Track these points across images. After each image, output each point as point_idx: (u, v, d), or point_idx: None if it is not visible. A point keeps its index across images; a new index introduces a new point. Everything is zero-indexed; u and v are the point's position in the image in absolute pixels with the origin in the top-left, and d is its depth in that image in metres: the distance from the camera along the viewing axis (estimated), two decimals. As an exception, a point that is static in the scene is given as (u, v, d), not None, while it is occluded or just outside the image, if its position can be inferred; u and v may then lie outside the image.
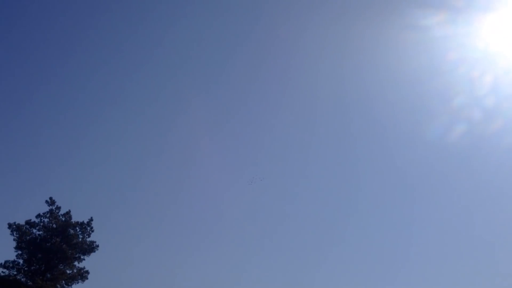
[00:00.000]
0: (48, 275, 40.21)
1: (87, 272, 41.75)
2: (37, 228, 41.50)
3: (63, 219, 42.23)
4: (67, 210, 42.63)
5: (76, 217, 42.69)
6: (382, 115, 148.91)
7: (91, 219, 42.86)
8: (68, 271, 41.23)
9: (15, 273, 39.96)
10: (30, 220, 41.53)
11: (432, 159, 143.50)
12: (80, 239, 42.23)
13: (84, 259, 42.11)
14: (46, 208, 42.14)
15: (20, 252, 40.54)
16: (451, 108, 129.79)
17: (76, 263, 41.79)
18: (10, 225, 40.82)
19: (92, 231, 42.73)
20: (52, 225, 41.88)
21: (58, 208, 42.40)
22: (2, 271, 39.56)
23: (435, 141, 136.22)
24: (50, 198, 42.40)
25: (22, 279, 39.56)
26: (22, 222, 41.21)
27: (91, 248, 42.31)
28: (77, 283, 41.58)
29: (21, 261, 40.40)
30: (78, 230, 42.41)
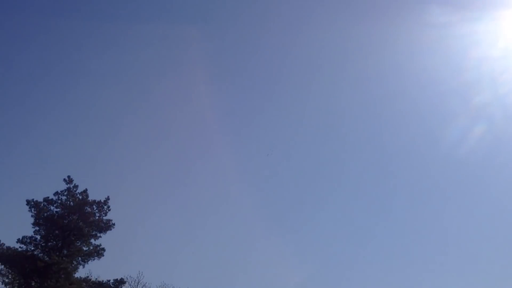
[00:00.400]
0: (65, 252, 40.52)
1: (103, 249, 42.01)
2: (54, 205, 41.91)
3: (80, 197, 42.60)
4: (84, 188, 43.08)
5: (92, 196, 43.13)
6: (400, 114, 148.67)
7: (108, 198, 43.24)
8: (84, 248, 41.52)
9: (32, 248, 40.35)
10: (48, 197, 41.99)
11: (451, 160, 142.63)
12: (97, 217, 42.55)
13: (100, 237, 42.39)
14: (64, 186, 42.65)
15: (37, 228, 40.94)
16: (471, 107, 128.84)
17: (92, 240, 42.07)
18: (28, 202, 41.28)
19: (109, 210, 43.06)
20: (69, 203, 42.25)
21: (76, 186, 42.81)
22: (20, 247, 39.98)
23: (455, 142, 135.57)
24: (68, 177, 42.86)
25: (39, 255, 39.97)
26: (40, 199, 41.71)
27: (107, 226, 42.55)
28: (93, 260, 41.86)
29: (38, 237, 40.81)
30: (95, 209, 42.75)
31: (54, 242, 40.86)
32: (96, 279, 42.61)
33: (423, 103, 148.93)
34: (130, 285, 62.44)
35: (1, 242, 39.34)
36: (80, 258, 41.31)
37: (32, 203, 41.37)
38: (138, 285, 63.69)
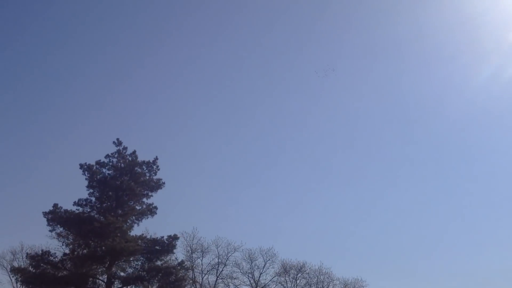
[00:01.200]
0: (119, 211, 41.48)
1: (156, 207, 42.77)
2: (106, 167, 42.78)
3: (130, 158, 43.28)
4: (133, 150, 43.70)
5: (141, 157, 43.75)
6: (431, 53, 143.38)
7: (156, 158, 43.76)
8: (137, 207, 42.37)
9: (88, 210, 41.55)
10: (100, 160, 42.91)
11: (483, 101, 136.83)
12: (147, 177, 43.20)
13: (152, 196, 43.15)
14: (114, 149, 43.42)
15: (91, 190, 42.03)
16: (506, 44, 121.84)
17: (144, 199, 42.89)
18: (81, 166, 42.33)
19: (158, 169, 43.63)
20: (120, 164, 43.03)
21: (125, 148, 43.51)
22: (77, 209, 41.22)
23: (487, 82, 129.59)
24: (117, 139, 43.56)
25: (96, 216, 41.11)
26: (93, 163, 42.67)
27: (158, 185, 43.16)
28: (147, 218, 42.76)
29: (93, 199, 41.90)
30: (144, 169, 43.37)
31: (109, 203, 41.79)
32: (151, 236, 43.70)
33: (456, 40, 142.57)
34: (186, 240, 64.21)
35: (59, 206, 40.65)
36: (134, 217, 42.25)
37: (85, 166, 42.39)
38: (194, 240, 65.40)
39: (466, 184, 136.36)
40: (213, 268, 66.58)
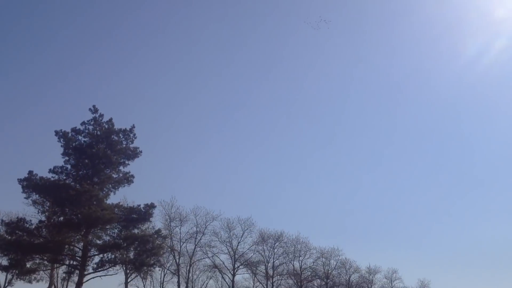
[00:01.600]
0: (95, 179, 41.13)
1: (133, 176, 42.56)
2: (82, 135, 42.18)
3: (106, 126, 42.69)
4: (110, 117, 43.04)
5: (118, 125, 43.20)
6: (418, 29, 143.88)
7: (133, 126, 43.24)
8: (114, 175, 42.05)
9: (64, 177, 41.10)
10: (75, 127, 42.24)
11: (470, 78, 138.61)
12: (124, 145, 42.76)
13: (128, 164, 42.83)
14: (90, 116, 42.74)
15: (67, 158, 41.52)
16: (492, 21, 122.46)
17: (121, 167, 42.54)
18: (56, 132, 41.61)
19: (135, 138, 43.18)
20: (96, 132, 42.45)
21: (101, 115, 42.82)
22: (52, 176, 40.72)
23: (473, 59, 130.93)
24: (94, 106, 42.78)
25: (71, 183, 40.67)
26: (68, 130, 42.02)
27: (135, 153, 42.81)
28: (124, 186, 42.55)
29: (69, 166, 41.45)
30: (121, 137, 42.88)
31: (85, 171, 41.39)
32: (128, 204, 43.57)
33: (443, 18, 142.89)
34: (164, 209, 64.36)
35: (34, 173, 40.04)
36: (110, 185, 42.00)
37: (61, 133, 41.71)
38: (172, 208, 65.58)
39: (448, 159, 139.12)
40: (191, 236, 67.18)
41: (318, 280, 79.44)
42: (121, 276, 57.96)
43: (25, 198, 40.00)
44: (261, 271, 73.72)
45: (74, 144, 41.63)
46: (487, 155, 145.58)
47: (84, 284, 39.37)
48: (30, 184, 39.55)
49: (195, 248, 67.53)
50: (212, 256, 70.03)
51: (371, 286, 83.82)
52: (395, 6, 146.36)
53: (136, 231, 42.25)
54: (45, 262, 42.73)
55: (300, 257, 76.97)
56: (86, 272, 39.81)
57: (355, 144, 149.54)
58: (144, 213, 41.76)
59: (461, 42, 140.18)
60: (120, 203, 42.06)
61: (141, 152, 42.89)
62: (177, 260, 65.53)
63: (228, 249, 70.70)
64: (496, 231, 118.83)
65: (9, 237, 39.18)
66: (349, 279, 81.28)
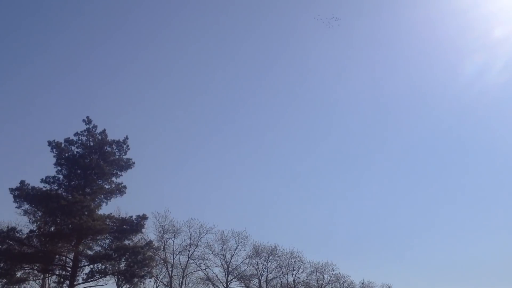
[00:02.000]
0: (88, 190, 41.26)
1: (125, 187, 42.63)
2: (75, 145, 42.42)
3: (100, 137, 42.94)
4: (103, 129, 43.32)
5: (112, 136, 43.46)
6: (415, 52, 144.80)
7: (127, 138, 43.52)
8: (106, 186, 42.14)
9: (56, 188, 41.17)
10: (69, 138, 42.48)
11: (468, 99, 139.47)
12: (117, 156, 42.97)
13: (121, 175, 42.97)
14: (83, 127, 43.02)
15: (59, 168, 41.66)
16: (491, 41, 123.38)
17: (114, 178, 42.70)
18: (50, 143, 41.83)
19: (128, 149, 43.41)
20: (89, 143, 42.68)
21: (95, 126, 43.09)
22: (44, 186, 40.85)
23: (472, 78, 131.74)
24: (87, 117, 43.11)
25: (63, 194, 40.76)
26: (61, 140, 42.26)
27: (127, 165, 42.99)
28: (116, 197, 42.67)
29: (61, 176, 41.52)
30: (114, 148, 43.12)
31: (77, 181, 41.53)
32: (120, 215, 43.65)
33: (442, 35, 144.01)
34: (158, 221, 64.33)
35: (26, 183, 40.18)
36: (102, 196, 42.08)
37: (54, 143, 41.92)
38: (166, 220, 65.52)
39: (445, 175, 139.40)
40: (184, 249, 66.97)
41: (312, 294, 79.15)
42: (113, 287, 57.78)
43: (16, 207, 40.11)
44: (254, 285, 73.47)
45: (67, 154, 41.83)
46: (484, 174, 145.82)
47: (74, 295, 39.34)
48: (22, 193, 39.62)
49: (188, 260, 67.38)
50: (205, 269, 69.86)
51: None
52: (393, 26, 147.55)
53: (127, 242, 42.29)
54: (35, 272, 42.62)
55: (294, 271, 76.70)
56: (76, 283, 39.72)
57: (350, 157, 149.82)
58: (136, 225, 41.86)
59: (460, 63, 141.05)
60: (112, 214, 42.29)
61: (134, 163, 43.09)
62: (170, 272, 65.32)
63: (221, 262, 70.60)
64: (492, 245, 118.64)
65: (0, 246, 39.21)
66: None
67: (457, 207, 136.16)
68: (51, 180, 41.12)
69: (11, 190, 39.67)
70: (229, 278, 70.28)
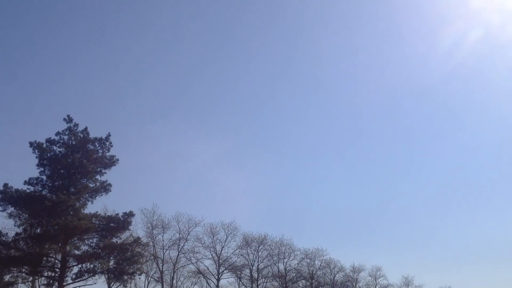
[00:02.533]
0: (72, 189, 40.84)
1: (110, 184, 42.22)
2: (57, 145, 41.81)
3: (82, 135, 42.44)
4: (85, 127, 42.84)
5: (93, 134, 42.99)
6: (391, 19, 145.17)
7: (109, 135, 43.10)
8: (91, 185, 41.70)
9: (40, 189, 40.68)
10: (50, 138, 41.87)
11: (446, 68, 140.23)
12: (100, 154, 42.56)
13: (105, 173, 42.57)
14: (64, 126, 42.46)
15: (42, 169, 41.15)
16: (469, 10, 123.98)
17: (98, 176, 42.29)
18: (31, 144, 41.16)
19: (111, 146, 43.02)
20: (71, 142, 42.12)
21: (76, 125, 42.54)
22: (28, 188, 40.30)
23: (450, 48, 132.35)
24: (68, 116, 42.50)
25: (47, 194, 40.33)
26: (43, 140, 41.71)
27: (111, 162, 42.61)
28: (101, 195, 42.26)
29: (44, 177, 41.01)
30: (97, 146, 42.68)
31: (60, 181, 41.06)
32: (106, 213, 43.38)
33: (418, 6, 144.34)
34: (146, 217, 64.14)
35: (9, 185, 39.62)
36: (87, 195, 41.67)
37: (35, 144, 41.30)
38: (154, 216, 65.36)
39: (429, 157, 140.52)
40: (174, 243, 66.96)
41: (303, 281, 79.83)
42: (104, 286, 57.55)
43: (1, 211, 39.61)
44: (245, 275, 73.86)
45: (49, 154, 41.27)
46: (463, 149, 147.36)
47: (64, 295, 39.11)
48: (6, 197, 39.10)
49: (178, 254, 67.41)
50: (196, 262, 70.04)
51: (356, 284, 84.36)
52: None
53: (115, 240, 42.10)
54: (24, 275, 42.31)
55: (285, 259, 77.33)
56: (65, 283, 39.46)
57: (341, 143, 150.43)
58: (123, 222, 41.61)
59: (439, 32, 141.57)
60: (98, 213, 41.90)
61: (117, 160, 42.75)
62: (161, 268, 65.36)
63: (212, 254, 70.76)
64: (480, 229, 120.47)
65: (-15, 251, 38.77)
66: (333, 278, 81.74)
67: (439, 190, 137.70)
68: (35, 182, 40.64)
69: (-6, 194, 39.16)
70: (220, 270, 70.55)
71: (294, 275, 78.34)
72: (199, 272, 69.92)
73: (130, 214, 41.65)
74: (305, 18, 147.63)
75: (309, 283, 79.16)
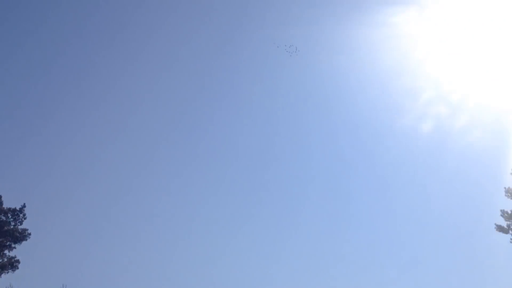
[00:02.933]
0: (-24, 264, 38.16)
1: (18, 261, 39.69)
2: (-35, 214, 39.46)
3: (-6, 204, 40.15)
4: (-1, 195, 40.51)
5: (7, 204, 40.62)
6: (353, 114, 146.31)
7: (24, 206, 40.80)
8: (-3, 260, 39.19)
9: None
10: (-42, 206, 39.49)
11: (403, 151, 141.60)
12: (12, 226, 40.15)
13: (15, 248, 40.04)
14: (-24, 193, 40.07)
15: None
16: (419, 104, 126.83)
17: (6, 251, 39.72)
18: None
19: (25, 218, 40.66)
20: (-18, 211, 39.80)
21: (-10, 192, 40.30)
22: None
23: (406, 134, 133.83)
24: (-18, 183, 40.27)
25: (-51, 269, 37.58)
26: (-51, 208, 39.17)
27: (23, 236, 40.18)
28: (7, 272, 39.56)
29: None
30: (10, 217, 40.36)
31: (-35, 255, 38.42)
32: (9, 292, 40.44)
33: (374, 100, 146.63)
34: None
35: None
36: (-8, 271, 39.00)
37: None
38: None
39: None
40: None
41: None
42: None
43: None
44: None
45: (-44, 225, 38.71)
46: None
47: None
48: None
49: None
50: None
51: None
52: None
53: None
54: None
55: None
56: None
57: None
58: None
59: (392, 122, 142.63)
60: (2, 292, 39.01)
61: (29, 234, 40.31)
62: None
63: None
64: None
65: None
66: None
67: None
68: None
69: None
70: None
71: None
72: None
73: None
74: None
75: None
